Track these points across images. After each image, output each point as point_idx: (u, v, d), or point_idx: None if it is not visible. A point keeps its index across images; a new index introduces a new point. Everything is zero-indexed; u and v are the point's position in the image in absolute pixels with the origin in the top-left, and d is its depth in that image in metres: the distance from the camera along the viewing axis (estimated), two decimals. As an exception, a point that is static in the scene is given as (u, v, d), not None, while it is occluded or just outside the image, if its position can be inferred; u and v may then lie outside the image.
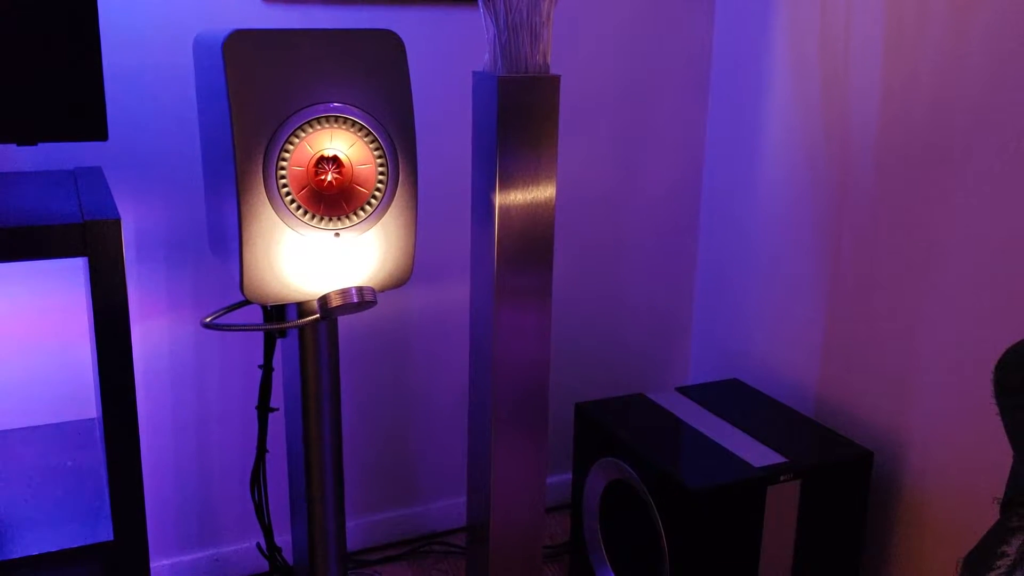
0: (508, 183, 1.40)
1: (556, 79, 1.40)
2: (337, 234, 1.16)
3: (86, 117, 1.15)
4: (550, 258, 1.47)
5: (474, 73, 1.44)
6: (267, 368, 1.48)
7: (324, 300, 1.16)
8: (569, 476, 2.08)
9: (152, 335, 1.66)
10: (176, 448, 1.73)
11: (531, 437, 1.53)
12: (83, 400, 1.60)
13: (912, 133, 1.56)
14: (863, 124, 1.65)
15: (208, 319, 1.31)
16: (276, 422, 1.69)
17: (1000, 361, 0.84)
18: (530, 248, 1.45)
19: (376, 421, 1.89)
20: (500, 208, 1.40)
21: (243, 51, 1.09)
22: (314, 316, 1.21)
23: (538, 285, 1.47)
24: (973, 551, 0.88)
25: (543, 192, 1.44)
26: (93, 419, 1.56)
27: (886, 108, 1.61)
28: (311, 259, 1.16)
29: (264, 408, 1.51)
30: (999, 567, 0.83)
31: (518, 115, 1.38)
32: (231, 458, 1.77)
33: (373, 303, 1.17)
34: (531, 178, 1.42)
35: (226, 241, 1.23)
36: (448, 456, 1.98)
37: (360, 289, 1.16)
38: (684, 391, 1.83)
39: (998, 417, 0.89)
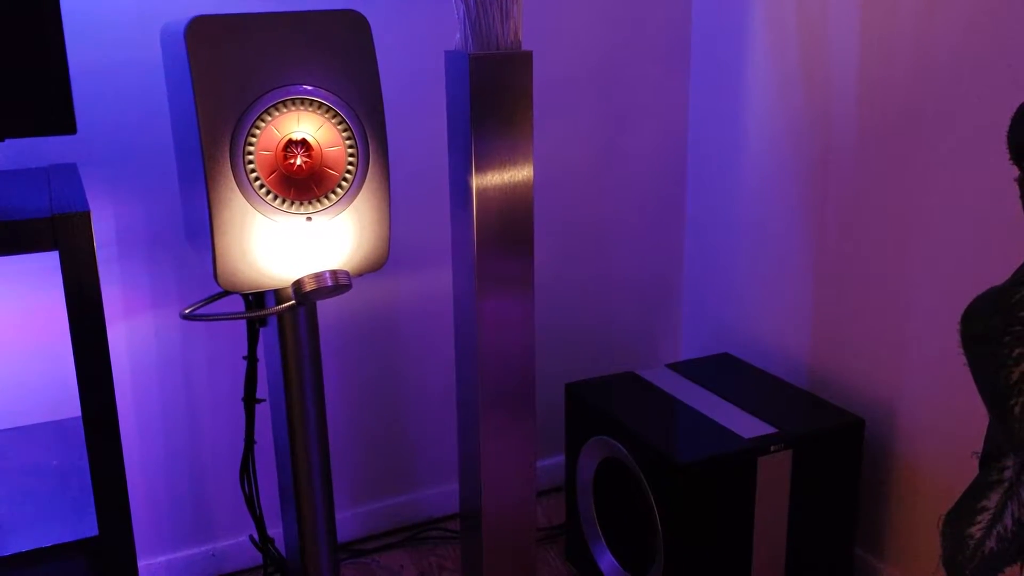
0: (484, 164, 1.39)
1: (528, 55, 1.38)
2: (309, 218, 1.15)
3: (53, 111, 1.14)
4: (530, 239, 1.46)
5: (446, 52, 1.43)
6: (251, 359, 1.47)
7: (298, 284, 1.15)
8: (562, 458, 2.07)
9: (138, 330, 1.65)
10: (167, 444, 1.72)
11: (519, 422, 1.52)
12: (70, 399, 1.60)
13: (892, 99, 1.55)
14: (842, 90, 1.64)
15: (188, 310, 1.31)
16: (265, 414, 1.68)
17: (965, 312, 0.84)
18: (510, 230, 1.44)
19: (367, 409, 1.88)
20: (478, 191, 1.39)
21: (206, 36, 1.08)
22: (291, 303, 1.20)
23: (520, 267, 1.46)
24: (954, 508, 0.88)
25: (520, 172, 1.43)
26: (77, 419, 1.56)
27: (865, 74, 1.60)
28: (284, 245, 1.16)
29: (250, 399, 1.51)
30: (979, 521, 0.83)
31: (491, 94, 1.37)
32: (223, 451, 1.76)
33: (348, 287, 1.16)
34: (508, 158, 1.41)
35: (199, 229, 1.22)
36: (441, 441, 1.97)
37: (334, 272, 1.15)
38: (674, 367, 1.82)
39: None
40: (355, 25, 1.15)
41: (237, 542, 1.81)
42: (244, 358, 1.48)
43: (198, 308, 1.34)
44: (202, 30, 1.08)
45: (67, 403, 1.60)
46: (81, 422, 1.54)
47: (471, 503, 1.57)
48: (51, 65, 1.12)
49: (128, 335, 1.64)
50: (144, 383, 1.68)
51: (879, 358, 1.64)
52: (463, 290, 1.47)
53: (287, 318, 1.27)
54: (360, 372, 1.85)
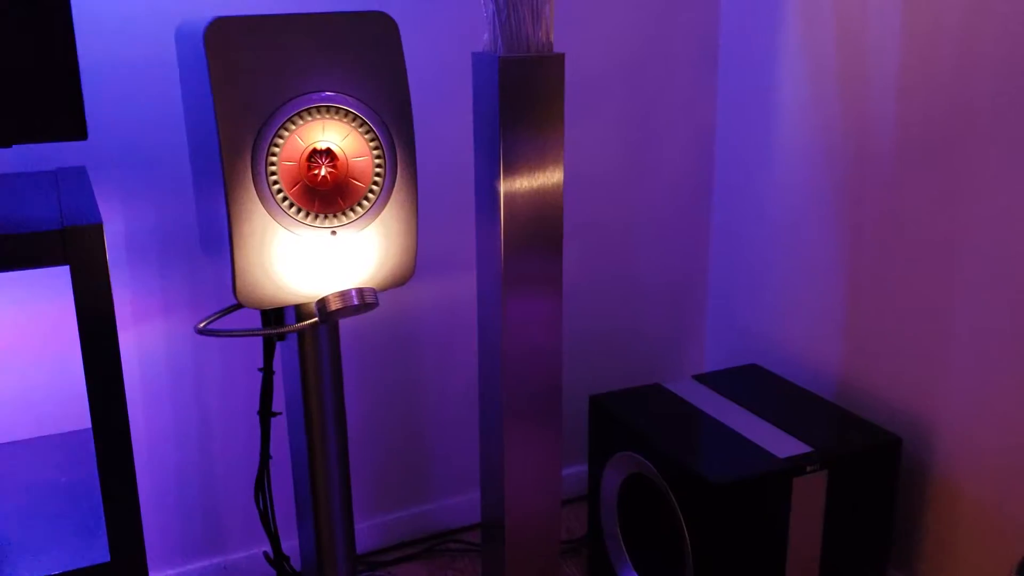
0: (513, 169, 1.33)
1: (560, 58, 1.32)
2: (334, 232, 1.09)
3: (63, 116, 1.08)
4: (559, 246, 1.40)
5: (473, 54, 1.36)
6: (267, 372, 1.41)
7: (323, 303, 1.09)
8: (583, 467, 2.01)
9: (147, 339, 1.59)
10: (177, 454, 1.67)
11: (545, 431, 1.47)
12: (78, 410, 1.54)
13: (937, 97, 1.49)
14: (882, 88, 1.58)
15: (202, 324, 1.25)
16: (279, 425, 1.63)
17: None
18: (538, 236, 1.38)
19: (384, 418, 1.83)
20: (505, 196, 1.33)
21: (226, 39, 1.02)
22: (313, 320, 1.14)
23: (548, 275, 1.40)
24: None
25: (550, 177, 1.36)
26: (88, 429, 1.50)
27: (907, 71, 1.53)
28: (307, 259, 1.10)
29: (266, 413, 1.45)
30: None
31: (521, 97, 1.31)
32: (235, 463, 1.71)
33: (374, 305, 1.10)
34: (537, 163, 1.35)
35: (217, 241, 1.16)
36: (461, 450, 1.92)
37: (360, 291, 1.09)
38: (702, 379, 1.76)
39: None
40: (383, 28, 1.09)
41: (249, 555, 1.76)
42: (260, 370, 1.42)
43: (213, 321, 1.28)
44: (222, 33, 1.02)
45: (76, 415, 1.54)
46: (90, 434, 1.49)
47: (493, 513, 1.52)
48: (61, 68, 1.05)
49: (137, 344, 1.59)
50: (154, 392, 1.62)
51: (916, 373, 1.58)
52: (488, 295, 1.41)
53: (308, 334, 1.21)
54: (376, 380, 1.80)
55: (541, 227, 1.38)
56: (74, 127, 1.11)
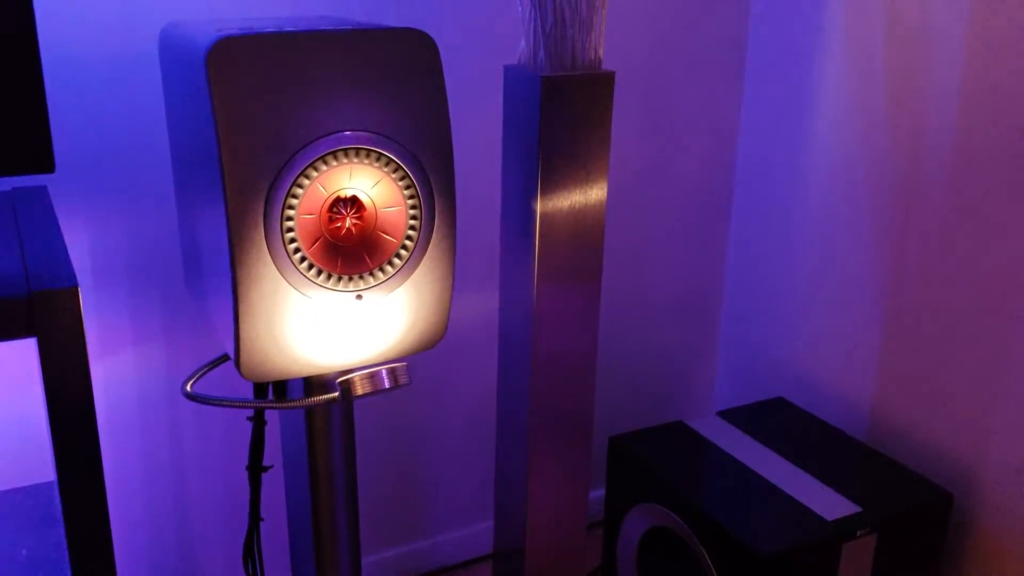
0: (551, 194, 1.17)
1: (611, 77, 1.15)
2: (359, 296, 0.91)
3: (28, 148, 0.89)
4: (598, 275, 1.25)
5: (506, 68, 1.18)
6: (259, 422, 1.23)
7: (347, 386, 0.91)
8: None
9: (116, 374, 1.40)
10: (149, 506, 1.48)
11: (573, 453, 1.34)
12: (37, 460, 1.35)
13: (1007, 109, 1.34)
14: (942, 94, 1.42)
15: (189, 385, 1.06)
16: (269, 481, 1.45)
17: None
18: (576, 265, 1.23)
19: (377, 455, 1.65)
20: (542, 221, 1.16)
21: (234, 65, 0.83)
22: (331, 396, 0.96)
23: (584, 301, 1.25)
24: None
25: (592, 205, 1.20)
26: (51, 483, 1.31)
27: (974, 76, 1.38)
28: (326, 327, 0.91)
29: (256, 469, 1.27)
30: None
31: (566, 121, 1.13)
32: (215, 519, 1.52)
33: (407, 384, 0.93)
34: (580, 192, 1.19)
35: (212, 294, 0.98)
36: (454, 486, 1.76)
37: (393, 372, 0.91)
38: (727, 416, 1.62)
39: None
40: (423, 49, 0.90)
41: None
42: (249, 419, 1.24)
43: (201, 377, 1.10)
44: (229, 57, 0.82)
45: (29, 465, 1.35)
46: (52, 489, 1.29)
47: (510, 541, 1.38)
48: (25, 95, 0.86)
49: (104, 379, 1.39)
50: (122, 435, 1.43)
51: (961, 417, 1.45)
52: (516, 307, 1.26)
53: (319, 408, 1.03)
54: (369, 413, 1.62)
55: (579, 255, 1.24)
56: (40, 160, 0.91)
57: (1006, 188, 1.35)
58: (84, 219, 1.31)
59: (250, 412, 1.24)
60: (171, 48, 0.99)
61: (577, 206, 1.19)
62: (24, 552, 1.16)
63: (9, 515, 1.23)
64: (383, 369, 0.92)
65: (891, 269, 1.54)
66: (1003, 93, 1.33)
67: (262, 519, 1.29)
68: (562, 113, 1.13)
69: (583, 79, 1.12)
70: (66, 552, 0.92)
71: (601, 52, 1.15)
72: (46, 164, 0.92)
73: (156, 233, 1.35)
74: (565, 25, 1.11)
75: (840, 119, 1.60)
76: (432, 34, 0.91)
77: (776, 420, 1.61)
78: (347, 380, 0.91)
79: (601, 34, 1.14)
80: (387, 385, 0.91)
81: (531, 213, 1.17)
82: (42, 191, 1.17)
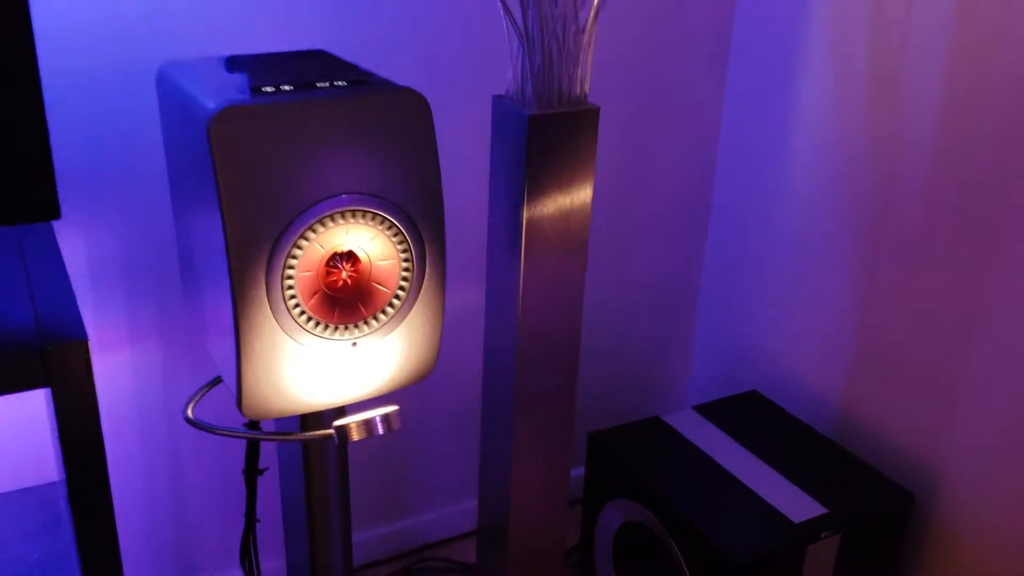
0: (536, 226, 1.21)
1: (596, 112, 1.18)
2: (354, 343, 0.96)
3: (33, 196, 0.92)
4: (583, 263, 1.29)
5: (494, 99, 1.21)
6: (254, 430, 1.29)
7: (343, 432, 0.97)
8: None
9: (114, 374, 1.45)
10: (149, 506, 1.54)
11: (556, 433, 1.40)
12: (41, 460, 1.40)
13: (986, 113, 1.38)
14: (923, 97, 1.46)
15: (189, 409, 1.12)
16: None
17: None
18: (559, 291, 1.28)
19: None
20: (527, 240, 1.21)
21: (237, 133, 0.86)
22: (326, 432, 1.01)
23: (565, 332, 1.30)
24: None
25: (574, 236, 1.25)
26: (55, 483, 1.37)
27: (955, 80, 1.42)
28: (323, 371, 0.97)
29: (252, 472, 1.34)
30: None
31: (552, 154, 1.17)
32: (212, 521, 1.59)
33: (399, 428, 0.99)
34: (562, 223, 1.23)
35: (214, 333, 1.03)
36: (437, 466, 1.83)
37: (386, 418, 0.97)
38: (702, 411, 1.69)
39: None
40: (415, 108, 0.94)
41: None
42: (246, 426, 1.30)
43: (200, 399, 1.15)
44: (234, 125, 0.86)
45: (33, 465, 1.41)
46: (56, 490, 1.35)
47: (493, 519, 1.45)
48: (30, 143, 0.90)
49: (102, 380, 1.44)
50: (120, 435, 1.48)
51: (926, 416, 1.52)
52: (501, 282, 1.31)
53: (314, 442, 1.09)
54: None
55: (565, 280, 1.27)
56: (46, 208, 0.95)
57: (979, 191, 1.40)
58: (82, 222, 1.35)
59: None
60: (171, 95, 1.02)
61: (564, 209, 1.22)
62: (35, 556, 1.22)
63: (17, 517, 1.29)
64: (377, 417, 0.97)
65: (864, 268, 1.60)
66: (980, 99, 1.37)
67: (258, 520, 1.35)
68: (549, 146, 1.16)
69: (570, 116, 1.16)
70: (75, 555, 0.98)
71: (587, 87, 1.18)
72: (52, 212, 0.96)
73: (152, 237, 1.39)
74: (552, 63, 1.15)
75: (820, 119, 1.64)
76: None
77: (749, 416, 1.69)
78: (343, 427, 0.97)
79: (588, 68, 1.17)
80: (381, 432, 0.97)
81: (518, 222, 1.21)
82: (47, 228, 1.20)
